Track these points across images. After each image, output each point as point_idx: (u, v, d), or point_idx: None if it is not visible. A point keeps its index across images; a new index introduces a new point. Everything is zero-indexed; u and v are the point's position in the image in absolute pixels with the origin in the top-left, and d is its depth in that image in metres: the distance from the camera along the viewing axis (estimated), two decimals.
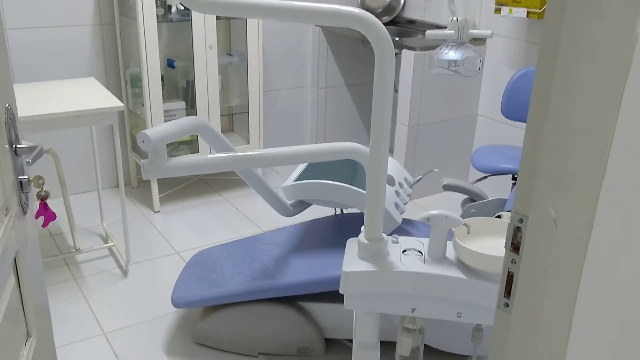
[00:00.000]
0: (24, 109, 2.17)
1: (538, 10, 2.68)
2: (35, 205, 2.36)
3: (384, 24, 3.74)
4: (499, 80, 3.18)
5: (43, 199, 2.13)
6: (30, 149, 0.91)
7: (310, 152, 1.66)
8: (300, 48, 3.71)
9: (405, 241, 1.59)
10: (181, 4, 1.41)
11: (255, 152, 1.56)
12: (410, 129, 3.20)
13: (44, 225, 2.20)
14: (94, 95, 2.41)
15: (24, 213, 0.94)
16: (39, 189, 2.15)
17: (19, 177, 0.91)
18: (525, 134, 0.69)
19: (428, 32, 1.77)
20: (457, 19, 1.77)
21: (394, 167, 2.17)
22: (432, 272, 1.45)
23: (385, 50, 1.43)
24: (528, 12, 2.72)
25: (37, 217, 2.18)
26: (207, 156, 1.60)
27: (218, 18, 3.07)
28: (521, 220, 0.62)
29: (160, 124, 1.47)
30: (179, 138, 1.59)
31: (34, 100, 2.31)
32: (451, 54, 1.75)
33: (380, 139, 1.50)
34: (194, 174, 1.38)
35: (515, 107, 2.71)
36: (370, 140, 1.49)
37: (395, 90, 3.63)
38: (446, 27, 3.42)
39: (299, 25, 3.66)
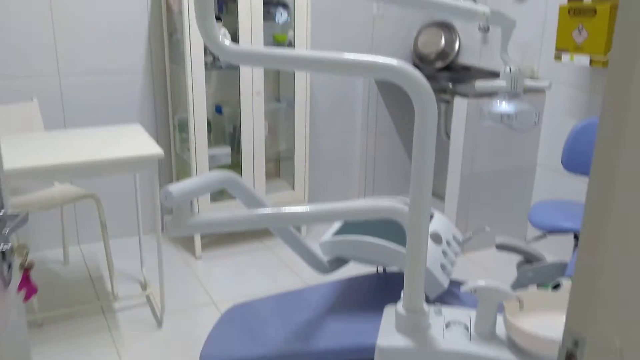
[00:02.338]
0: (66, 156, 2.17)
1: (602, 58, 2.50)
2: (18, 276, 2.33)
3: (437, 70, 3.63)
4: (560, 130, 2.99)
5: (27, 269, 2.05)
6: (13, 217, 0.84)
7: (344, 210, 1.54)
8: (350, 93, 3.64)
9: (449, 313, 1.44)
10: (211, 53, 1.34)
11: (286, 211, 1.46)
12: (463, 178, 3.04)
13: (26, 299, 2.13)
14: (136, 142, 2.39)
15: (6, 286, 0.86)
16: (23, 259, 2.09)
17: (1, 247, 0.84)
18: (583, 221, 0.55)
19: (477, 83, 1.65)
20: (510, 69, 1.64)
21: (442, 223, 2.02)
22: (478, 353, 1.29)
23: (426, 106, 1.31)
24: (591, 60, 2.54)
25: (19, 289, 2.11)
26: (235, 214, 1.51)
27: None
28: (575, 344, 0.48)
29: (187, 179, 1.40)
30: (206, 193, 1.51)
31: (79, 146, 2.31)
32: (503, 107, 1.62)
33: (421, 198, 1.37)
34: (220, 231, 1.32)
35: (577, 159, 2.52)
36: (410, 200, 1.36)
37: (448, 137, 3.49)
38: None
39: None
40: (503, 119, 1.63)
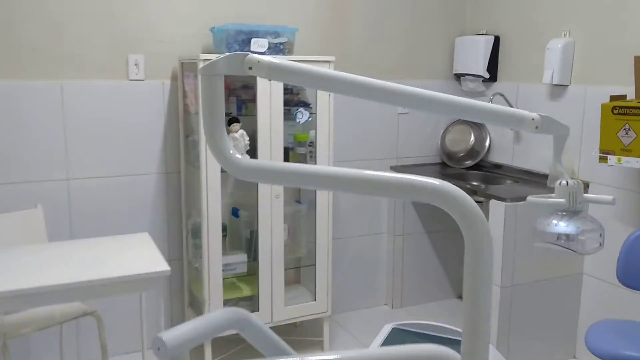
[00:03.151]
0: (66, 275, 1.96)
1: None
2: None
3: (466, 168, 3.42)
4: (609, 235, 2.71)
5: None
6: None
7: (386, 354, 1.28)
8: None
9: None
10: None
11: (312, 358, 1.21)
12: (503, 291, 2.74)
13: None
14: (143, 256, 2.17)
15: None
16: None
17: None
18: None
19: (530, 198, 1.43)
20: (567, 182, 1.41)
21: (492, 357, 1.72)
22: None
23: (480, 238, 1.07)
24: None
25: None
26: None
27: None
28: None
29: (186, 323, 1.16)
30: (209, 339, 1.27)
31: (81, 262, 2.10)
32: (562, 226, 1.38)
33: (476, 348, 1.10)
34: None
35: (635, 273, 2.23)
36: (463, 348, 1.10)
37: None
38: (539, 173, 3.07)
39: (377, 167, 3.40)
40: (560, 240, 1.39)
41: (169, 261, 3.01)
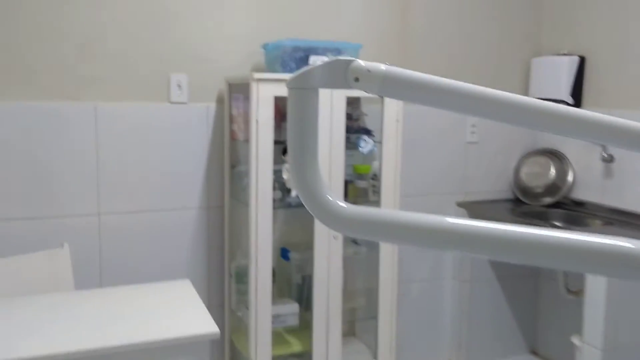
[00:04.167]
0: (92, 338, 1.60)
1: None
2: None
3: (544, 206, 2.99)
4: None
5: None
6: None
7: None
8: None
9: None
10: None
11: None
12: (605, 355, 2.29)
13: None
14: (184, 312, 1.81)
15: None
16: None
17: None
18: None
19: None
20: None
21: None
22: None
23: None
24: None
25: None
26: None
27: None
28: None
29: None
30: None
31: (111, 319, 1.74)
32: None
33: None
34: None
35: None
36: None
37: (569, 292, 2.78)
38: (632, 213, 2.63)
39: (442, 202, 3.01)
40: None
41: (209, 308, 2.63)
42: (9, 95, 2.27)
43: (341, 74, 0.90)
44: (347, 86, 0.92)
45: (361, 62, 0.90)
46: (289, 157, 0.90)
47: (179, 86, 2.50)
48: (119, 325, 1.68)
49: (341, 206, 0.87)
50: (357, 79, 0.90)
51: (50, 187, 2.35)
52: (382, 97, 2.42)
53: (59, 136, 2.34)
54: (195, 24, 2.50)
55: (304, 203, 0.90)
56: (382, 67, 0.91)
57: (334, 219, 0.88)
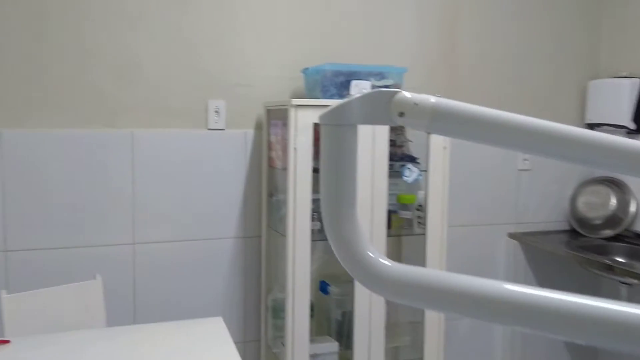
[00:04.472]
0: None
1: None
2: None
3: (604, 239, 2.77)
4: None
5: None
6: None
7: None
8: (490, 258, 2.85)
9: None
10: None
11: None
12: None
13: None
14: (213, 352, 1.70)
15: None
16: None
17: None
18: None
19: None
20: None
21: None
22: None
23: None
24: None
25: None
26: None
27: (389, 235, 2.35)
28: None
29: None
30: None
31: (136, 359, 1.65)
32: None
33: None
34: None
35: None
36: None
37: None
38: None
39: (492, 234, 2.83)
40: None
41: (244, 343, 2.53)
42: (46, 123, 2.24)
43: (383, 108, 0.78)
44: (390, 122, 0.79)
45: (407, 94, 0.77)
46: (322, 204, 0.79)
47: (217, 112, 2.43)
48: None
49: (384, 264, 0.75)
50: (402, 114, 0.78)
51: (85, 215, 2.30)
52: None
53: (95, 164, 2.30)
54: (234, 49, 2.43)
55: (339, 259, 0.77)
56: (432, 99, 0.78)
57: (375, 280, 0.75)
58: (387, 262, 0.75)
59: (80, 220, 2.30)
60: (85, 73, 2.27)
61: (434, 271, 0.75)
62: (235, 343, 1.77)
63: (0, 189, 2.20)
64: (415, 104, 0.77)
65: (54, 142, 2.25)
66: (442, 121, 0.78)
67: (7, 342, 1.73)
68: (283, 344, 2.27)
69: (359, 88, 2.28)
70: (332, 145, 0.79)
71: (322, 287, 2.47)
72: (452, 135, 0.79)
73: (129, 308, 2.38)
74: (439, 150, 2.32)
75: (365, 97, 0.78)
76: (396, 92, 0.79)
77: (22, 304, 2.01)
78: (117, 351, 1.70)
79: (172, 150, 2.39)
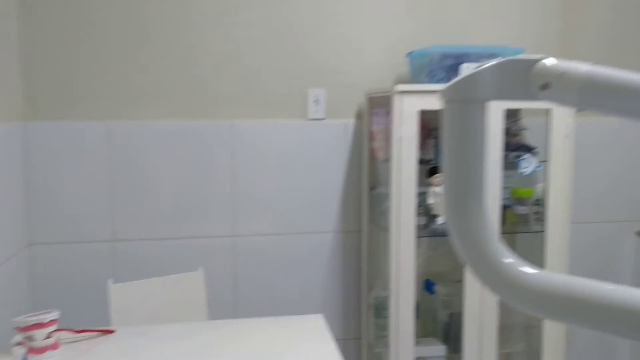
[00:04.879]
0: None
1: None
2: None
3: None
4: None
5: None
6: None
7: None
8: (615, 259, 2.56)
9: None
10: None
11: None
12: None
13: None
14: (313, 350, 1.61)
15: None
16: None
17: None
18: None
19: None
20: None
21: None
22: None
23: None
24: None
25: None
26: None
27: (503, 232, 2.15)
28: None
29: None
30: None
31: (236, 354, 1.60)
32: None
33: None
34: None
35: None
36: None
37: None
38: None
39: (618, 231, 2.54)
40: None
41: (344, 340, 2.44)
42: (151, 115, 2.26)
43: (521, 79, 0.64)
44: (530, 97, 0.65)
45: (552, 61, 0.62)
46: (445, 198, 0.65)
47: (316, 102, 2.34)
48: None
49: (524, 272, 0.60)
50: (545, 86, 0.63)
51: (187, 207, 2.31)
52: (551, 110, 2.06)
53: (196, 155, 2.29)
54: (334, 35, 2.33)
55: (466, 262, 0.64)
56: (584, 67, 0.63)
57: (513, 289, 0.61)
58: (528, 270, 0.60)
59: (183, 212, 2.31)
60: (187, 65, 2.26)
61: (589, 281, 0.60)
62: (335, 340, 1.68)
63: (107, 180, 2.25)
64: (563, 73, 0.62)
65: (157, 134, 2.26)
66: (596, 94, 0.62)
67: (111, 331, 1.75)
68: (386, 345, 2.15)
69: None
70: (456, 127, 0.65)
71: (427, 286, 2.32)
72: (609, 111, 0.63)
73: (228, 300, 2.36)
74: (559, 139, 2.08)
75: (498, 66, 0.64)
76: (539, 59, 0.64)
77: (127, 293, 2.03)
78: (219, 344, 1.66)
79: (271, 141, 2.34)
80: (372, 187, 2.34)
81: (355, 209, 2.40)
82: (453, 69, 2.11)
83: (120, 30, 2.21)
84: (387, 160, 2.12)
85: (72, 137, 2.22)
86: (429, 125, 2.22)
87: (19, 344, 1.57)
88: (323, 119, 2.35)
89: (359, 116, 2.38)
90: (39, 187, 2.21)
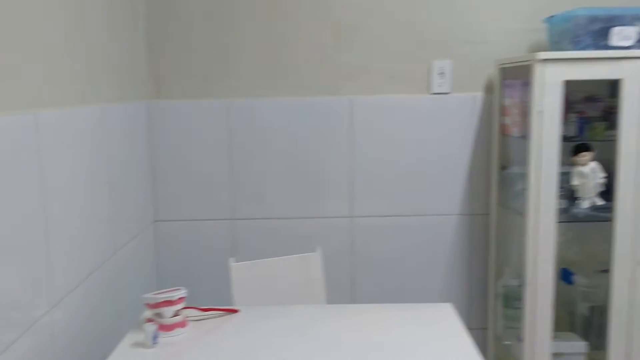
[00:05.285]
0: None
1: None
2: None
3: None
4: None
5: None
6: None
7: None
8: None
9: None
10: None
11: None
12: None
13: None
14: (446, 343, 1.48)
15: None
16: None
17: None
18: None
19: None
20: None
21: None
22: None
23: None
24: None
25: None
26: None
27: None
28: None
29: None
30: None
31: (362, 344, 1.50)
32: None
33: None
34: None
35: None
36: None
37: None
38: None
39: None
40: None
41: (469, 330, 2.27)
42: (270, 92, 2.20)
43: None
44: None
45: None
46: None
47: (441, 74, 2.18)
48: (373, 351, 1.43)
49: None
50: None
51: (305, 185, 2.24)
52: None
53: (314, 132, 2.22)
54: (461, 1, 2.15)
55: None
56: None
57: None
58: None
59: (300, 191, 2.24)
60: (305, 40, 2.18)
61: None
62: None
63: (227, 158, 2.23)
64: None
65: (275, 111, 2.21)
66: None
67: (236, 311, 1.72)
68: (519, 338, 1.98)
69: (623, 36, 1.85)
70: None
71: (565, 275, 2.11)
72: None
73: (345, 282, 2.28)
74: None
75: None
76: None
77: (247, 272, 2.00)
78: (345, 330, 1.57)
79: (391, 117, 2.21)
80: (504, 167, 2.16)
81: (483, 190, 2.23)
82: (601, 34, 1.87)
83: (240, 10, 2.16)
84: (523, 136, 1.93)
85: (195, 115, 2.21)
86: (570, 98, 2.00)
87: (148, 320, 1.57)
88: (448, 92, 2.19)
89: (489, 89, 2.19)
90: (163, 164, 2.23)
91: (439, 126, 2.20)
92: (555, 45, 1.98)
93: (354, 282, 2.29)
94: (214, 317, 1.68)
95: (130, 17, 2.03)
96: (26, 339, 1.27)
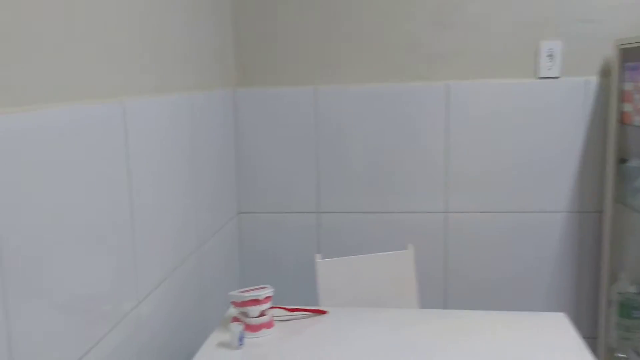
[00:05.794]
0: None
1: None
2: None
3: None
4: None
5: None
6: None
7: None
8: None
9: None
10: None
11: None
12: None
13: None
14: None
15: None
16: None
17: None
18: None
19: None
20: None
21: None
22: None
23: None
24: None
25: None
26: None
27: None
28: None
29: None
30: None
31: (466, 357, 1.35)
32: None
33: None
34: None
35: None
36: None
37: None
38: None
39: None
40: None
41: None
42: (358, 78, 2.08)
43: None
44: None
45: None
46: None
47: (550, 56, 1.96)
48: None
49: None
50: None
51: (394, 178, 2.10)
52: None
53: (405, 121, 2.07)
54: None
55: None
56: None
57: None
58: None
59: (390, 183, 2.11)
60: (399, 20, 2.03)
61: None
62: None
63: (313, 148, 2.12)
64: None
65: (364, 99, 2.08)
66: None
67: (324, 312, 1.61)
68: (637, 352, 1.76)
69: None
70: None
71: None
72: None
73: (438, 283, 2.13)
74: None
75: None
76: None
77: (333, 269, 1.90)
78: (443, 337, 1.43)
79: (492, 105, 2.02)
80: (623, 160, 1.92)
81: (596, 185, 2.00)
82: None
83: None
84: None
85: (280, 102, 2.12)
86: None
87: (234, 319, 1.49)
88: (557, 77, 1.98)
89: (605, 72, 1.95)
90: (248, 154, 2.16)
91: (546, 114, 1.99)
92: None
93: (447, 283, 2.13)
94: (301, 318, 1.59)
95: (216, 4, 1.95)
96: (116, 334, 1.23)
